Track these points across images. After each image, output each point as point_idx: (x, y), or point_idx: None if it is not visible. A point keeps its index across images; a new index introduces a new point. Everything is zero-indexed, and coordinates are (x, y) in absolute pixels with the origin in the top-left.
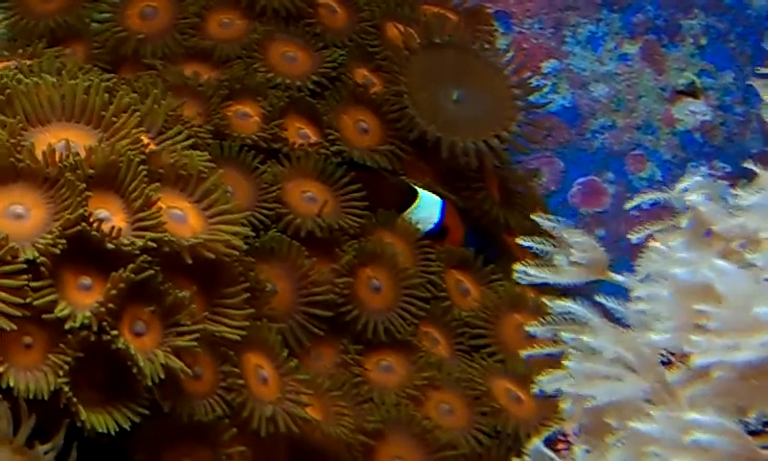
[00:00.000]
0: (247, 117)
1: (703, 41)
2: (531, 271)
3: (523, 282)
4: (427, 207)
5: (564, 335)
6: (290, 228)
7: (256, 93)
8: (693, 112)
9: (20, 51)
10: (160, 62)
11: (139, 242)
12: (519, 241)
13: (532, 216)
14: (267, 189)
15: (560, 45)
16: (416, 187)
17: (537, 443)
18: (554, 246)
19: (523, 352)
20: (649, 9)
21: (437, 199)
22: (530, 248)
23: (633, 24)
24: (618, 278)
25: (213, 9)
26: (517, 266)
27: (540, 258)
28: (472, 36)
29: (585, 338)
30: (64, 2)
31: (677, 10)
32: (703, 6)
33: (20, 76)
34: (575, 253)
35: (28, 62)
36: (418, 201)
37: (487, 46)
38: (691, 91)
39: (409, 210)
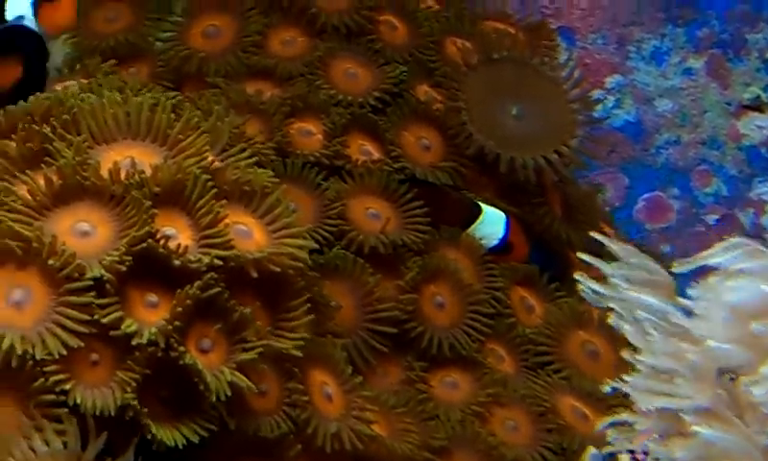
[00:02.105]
0: (309, 134)
1: None
2: (596, 287)
3: (588, 298)
4: (491, 223)
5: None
6: (354, 244)
7: (319, 110)
8: (759, 127)
9: (80, 68)
10: (223, 81)
11: (206, 259)
12: (581, 256)
13: (597, 236)
14: (330, 206)
15: (624, 60)
16: (479, 203)
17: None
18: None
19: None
20: (714, 23)
21: (501, 214)
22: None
23: (698, 38)
24: (685, 302)
25: (275, 27)
26: (582, 282)
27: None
28: (532, 51)
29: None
30: (128, 21)
31: (742, 24)
32: None
33: (86, 95)
34: (641, 275)
35: (88, 81)
36: (482, 217)
37: (546, 60)
38: (757, 106)
39: (473, 226)
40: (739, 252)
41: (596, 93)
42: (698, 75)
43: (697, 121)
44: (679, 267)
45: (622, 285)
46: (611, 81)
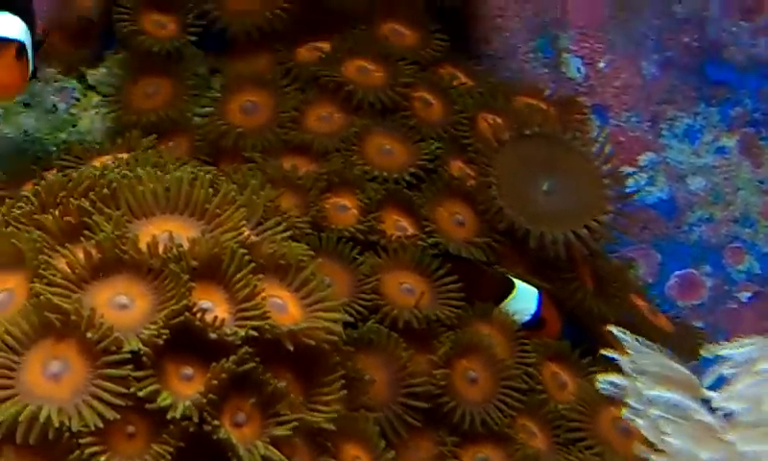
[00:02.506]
0: (345, 209)
1: None
2: (615, 379)
3: (608, 393)
4: (524, 299)
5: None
6: (387, 318)
7: (354, 186)
8: None
9: (121, 143)
10: (260, 155)
11: (241, 332)
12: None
13: (614, 329)
14: (364, 280)
15: (657, 138)
16: (512, 278)
17: None
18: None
19: None
20: (747, 102)
21: (533, 290)
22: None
23: (730, 117)
24: (711, 394)
25: (312, 103)
26: (602, 377)
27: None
28: (564, 126)
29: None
30: (167, 97)
31: None
32: None
33: (125, 170)
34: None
35: (126, 156)
36: (514, 292)
37: (578, 135)
38: None
39: (506, 301)
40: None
41: (628, 170)
42: (731, 153)
43: (730, 199)
44: (706, 351)
45: (639, 379)
46: (643, 158)
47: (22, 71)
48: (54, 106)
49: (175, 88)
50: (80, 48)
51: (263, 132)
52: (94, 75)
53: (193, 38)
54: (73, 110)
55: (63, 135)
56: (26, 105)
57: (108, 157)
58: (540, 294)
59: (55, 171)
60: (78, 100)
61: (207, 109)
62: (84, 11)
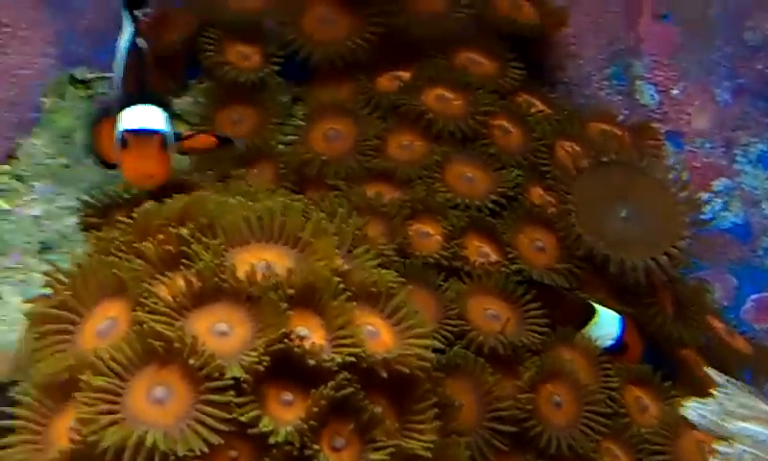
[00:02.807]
0: (428, 236)
1: None
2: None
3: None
4: (606, 324)
5: None
6: (473, 344)
7: (437, 213)
8: None
9: (210, 173)
10: (344, 183)
11: (338, 358)
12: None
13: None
14: (450, 306)
15: (730, 163)
16: (594, 304)
17: None
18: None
19: None
20: None
21: (616, 315)
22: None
23: None
24: None
25: (393, 131)
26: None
27: None
28: (640, 153)
29: None
30: (251, 125)
31: None
32: None
33: (221, 199)
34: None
35: (216, 185)
36: (596, 317)
37: (655, 162)
38: None
39: (588, 327)
40: None
41: (703, 196)
42: None
43: None
44: None
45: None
46: (717, 184)
47: (166, 161)
48: None
49: (259, 117)
50: (166, 77)
51: (346, 159)
52: (180, 103)
53: (276, 68)
54: None
55: None
56: None
57: (199, 186)
58: (622, 319)
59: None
60: None
61: (291, 137)
62: (169, 41)
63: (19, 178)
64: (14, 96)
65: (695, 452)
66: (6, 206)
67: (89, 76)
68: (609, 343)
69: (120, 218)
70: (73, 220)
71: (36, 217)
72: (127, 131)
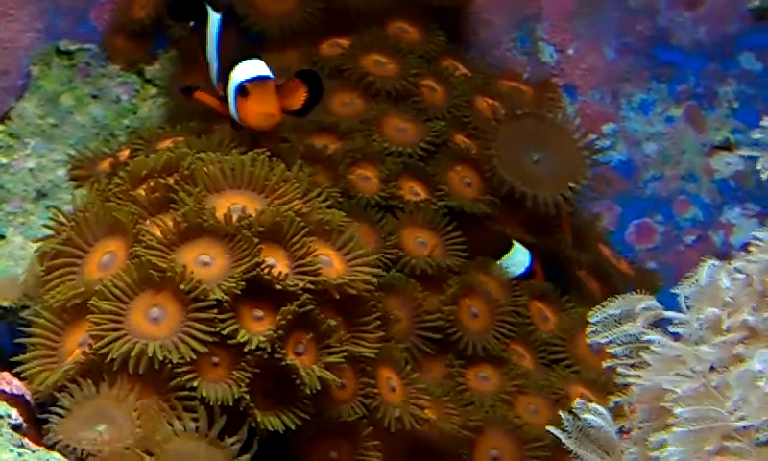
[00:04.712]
0: (368, 179)
1: (735, 105)
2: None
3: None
4: (520, 255)
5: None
6: (407, 267)
7: (375, 160)
8: (728, 164)
9: (181, 128)
10: (295, 136)
11: (301, 283)
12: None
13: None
14: (387, 238)
15: (617, 111)
16: (511, 239)
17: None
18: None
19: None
20: (691, 79)
21: (526, 250)
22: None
23: (677, 92)
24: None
25: (336, 91)
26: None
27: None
28: (546, 106)
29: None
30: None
31: (714, 80)
32: (735, 76)
33: (201, 154)
34: None
35: (190, 139)
36: (512, 249)
37: (560, 115)
38: (726, 146)
39: (505, 257)
40: None
41: (599, 142)
42: (678, 122)
43: (677, 160)
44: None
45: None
46: (606, 128)
47: (279, 102)
48: (117, 97)
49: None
50: (138, 48)
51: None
52: (150, 70)
53: None
54: (134, 100)
55: (126, 122)
56: (94, 96)
57: (168, 140)
58: (531, 252)
59: (126, 151)
60: (137, 92)
61: None
62: (140, 17)
63: (14, 135)
64: (5, 65)
65: (587, 351)
66: (4, 160)
67: (72, 47)
68: (521, 271)
69: (101, 167)
70: (63, 171)
71: (31, 169)
72: (246, 80)
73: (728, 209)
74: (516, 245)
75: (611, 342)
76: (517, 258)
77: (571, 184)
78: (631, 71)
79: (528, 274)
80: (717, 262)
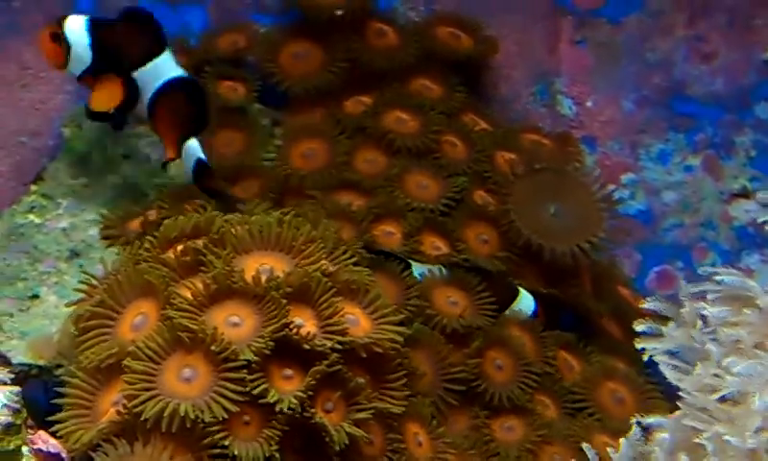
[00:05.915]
0: (391, 235)
1: (752, 153)
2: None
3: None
4: (526, 302)
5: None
6: (438, 326)
7: (398, 215)
8: (746, 211)
9: None
10: (319, 193)
11: (329, 343)
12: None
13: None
14: (410, 291)
15: (636, 161)
16: (518, 287)
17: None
18: None
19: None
20: (708, 129)
21: (531, 297)
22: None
23: (695, 142)
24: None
25: (359, 148)
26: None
27: None
28: (565, 159)
29: None
30: (240, 146)
31: (730, 129)
32: (752, 125)
33: (228, 216)
34: None
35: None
36: (519, 297)
37: (578, 166)
38: (744, 194)
39: (513, 304)
40: None
41: (618, 192)
42: (696, 171)
43: (696, 208)
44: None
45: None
46: (625, 178)
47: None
48: (147, 156)
49: (245, 139)
50: None
51: (321, 173)
52: None
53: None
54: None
55: (156, 180)
56: (125, 156)
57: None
58: (536, 299)
59: (154, 211)
60: None
61: (272, 155)
62: None
63: (47, 196)
64: (37, 127)
65: (609, 399)
66: (38, 221)
67: None
68: (528, 313)
69: (132, 227)
70: (95, 231)
71: (64, 229)
72: None
73: (746, 256)
74: (523, 292)
75: None
76: (524, 304)
77: (589, 238)
78: (649, 122)
79: (534, 317)
80: None
